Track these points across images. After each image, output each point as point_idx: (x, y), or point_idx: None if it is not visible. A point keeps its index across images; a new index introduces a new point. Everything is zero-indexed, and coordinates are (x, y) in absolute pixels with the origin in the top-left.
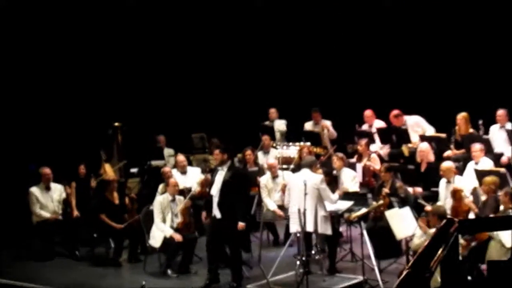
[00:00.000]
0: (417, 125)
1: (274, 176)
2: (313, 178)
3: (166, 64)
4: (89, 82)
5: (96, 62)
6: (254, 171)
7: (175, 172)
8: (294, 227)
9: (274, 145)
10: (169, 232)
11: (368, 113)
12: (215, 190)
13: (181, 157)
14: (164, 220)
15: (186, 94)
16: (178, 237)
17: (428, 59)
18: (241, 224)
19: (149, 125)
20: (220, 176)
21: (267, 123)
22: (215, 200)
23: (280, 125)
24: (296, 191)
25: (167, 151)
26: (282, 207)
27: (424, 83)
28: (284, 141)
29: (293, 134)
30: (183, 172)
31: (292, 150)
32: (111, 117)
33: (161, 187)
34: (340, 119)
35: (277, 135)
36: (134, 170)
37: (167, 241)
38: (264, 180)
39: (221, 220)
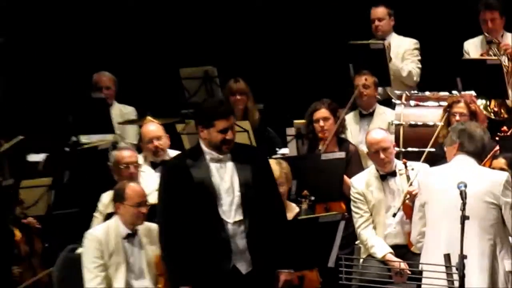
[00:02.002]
0: None
1: (387, 173)
2: (485, 179)
3: None
4: None
5: None
6: (337, 160)
7: (142, 165)
8: None
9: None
10: None
11: None
12: (226, 211)
13: (151, 128)
14: (108, 285)
15: None
16: None
17: None
18: (285, 275)
19: (75, 47)
20: (226, 171)
21: (370, 42)
22: (234, 231)
23: (403, 46)
24: (442, 211)
25: (120, 110)
26: (405, 250)
27: None
28: (413, 88)
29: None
30: (159, 163)
31: (430, 110)
32: None
33: (105, 200)
34: None
35: (395, 69)
36: (36, 157)
37: None
38: (361, 182)
39: (253, 276)
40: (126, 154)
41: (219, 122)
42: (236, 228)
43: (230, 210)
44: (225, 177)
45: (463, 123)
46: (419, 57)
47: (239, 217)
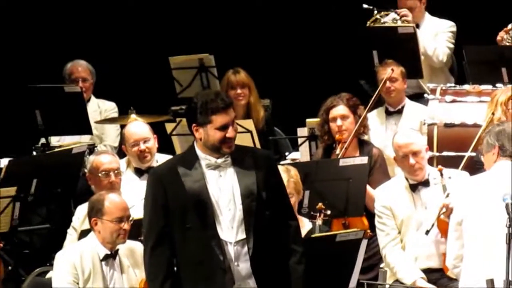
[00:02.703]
0: None
1: (418, 183)
2: None
3: None
4: None
5: None
6: (357, 166)
7: (125, 172)
8: None
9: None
10: None
11: None
12: (226, 228)
13: (136, 128)
14: None
15: None
16: None
17: None
18: None
19: (45, 31)
20: (226, 181)
21: (398, 25)
22: (236, 253)
23: (435, 28)
24: (483, 229)
25: (98, 106)
26: (440, 274)
27: None
28: (449, 79)
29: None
30: (146, 170)
31: (470, 107)
32: None
33: (80, 214)
34: None
35: (422, 50)
36: None
37: None
38: (387, 193)
39: None
40: (106, 160)
41: (217, 116)
42: (239, 249)
43: (231, 227)
44: (225, 188)
45: (501, 123)
46: (452, 40)
47: (242, 235)
